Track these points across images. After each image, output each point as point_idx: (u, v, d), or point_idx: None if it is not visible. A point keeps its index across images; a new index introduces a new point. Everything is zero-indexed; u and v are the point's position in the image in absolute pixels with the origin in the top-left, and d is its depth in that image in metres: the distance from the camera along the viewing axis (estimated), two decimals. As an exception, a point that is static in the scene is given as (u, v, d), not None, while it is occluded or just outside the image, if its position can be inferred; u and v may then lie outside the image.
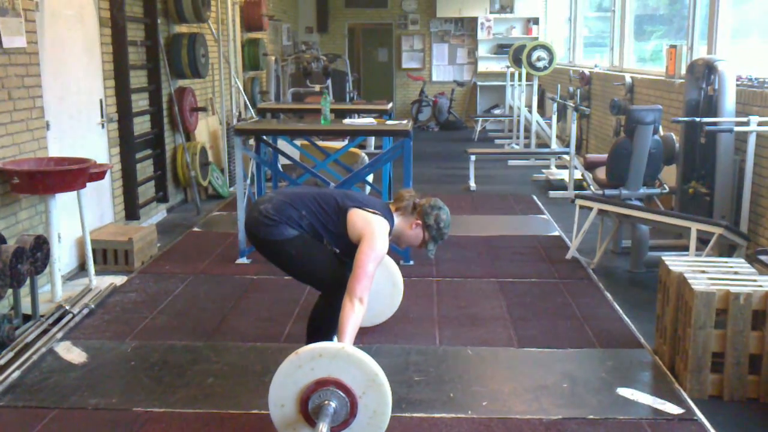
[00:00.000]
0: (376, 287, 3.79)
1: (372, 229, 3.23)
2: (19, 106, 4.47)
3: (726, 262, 3.79)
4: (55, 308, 4.28)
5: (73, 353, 3.82)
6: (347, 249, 3.32)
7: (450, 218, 3.50)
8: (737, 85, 5.17)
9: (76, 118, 5.29)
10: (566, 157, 8.59)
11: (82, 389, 3.41)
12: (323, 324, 3.43)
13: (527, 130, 10.89)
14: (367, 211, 3.31)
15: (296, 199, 3.35)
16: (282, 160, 7.04)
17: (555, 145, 9.63)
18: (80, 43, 5.37)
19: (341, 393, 2.76)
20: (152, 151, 6.64)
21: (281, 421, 2.84)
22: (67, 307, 4.28)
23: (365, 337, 3.92)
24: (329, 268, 3.36)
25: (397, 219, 3.44)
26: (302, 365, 2.77)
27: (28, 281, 4.06)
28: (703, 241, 4.73)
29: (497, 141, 12.39)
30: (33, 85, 4.62)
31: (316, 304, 3.50)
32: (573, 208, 5.58)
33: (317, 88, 10.67)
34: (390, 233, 3.39)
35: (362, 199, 3.41)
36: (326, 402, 2.75)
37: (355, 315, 3.02)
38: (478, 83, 14.73)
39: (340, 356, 2.77)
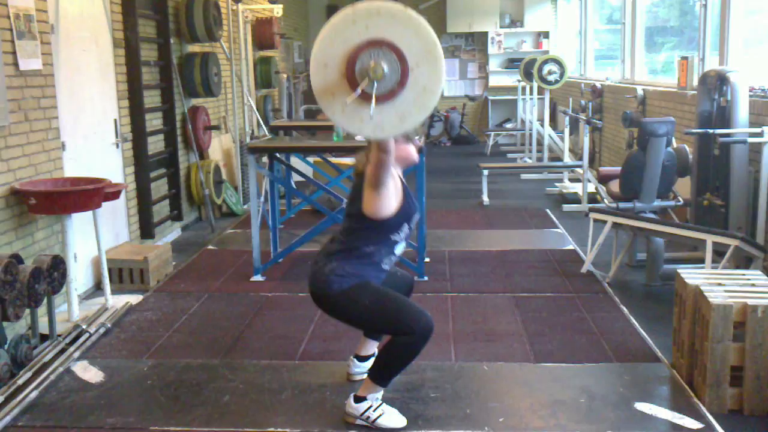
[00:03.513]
0: None
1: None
2: (36, 128, 4.52)
3: (743, 275, 3.76)
4: (72, 328, 4.30)
5: (90, 372, 3.83)
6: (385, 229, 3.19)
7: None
8: (750, 96, 5.15)
9: (91, 138, 5.34)
10: (579, 170, 8.57)
11: (100, 408, 3.42)
12: (399, 359, 3.21)
13: (539, 143, 10.88)
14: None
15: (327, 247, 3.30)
16: (295, 177, 7.07)
17: (568, 159, 9.61)
18: (95, 64, 5.43)
19: (394, 57, 2.53)
20: (166, 170, 6.69)
21: (321, 84, 2.60)
22: (84, 327, 4.31)
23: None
24: (407, 307, 3.19)
25: None
26: (357, 21, 2.54)
27: (45, 301, 4.09)
28: (719, 253, 4.70)
29: (510, 155, 12.38)
30: (49, 106, 4.67)
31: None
32: (587, 222, 5.56)
33: (329, 104, 10.68)
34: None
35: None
36: (375, 64, 2.52)
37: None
38: (490, 97, 14.74)
39: (400, 18, 2.55)
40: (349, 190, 3.38)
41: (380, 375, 3.22)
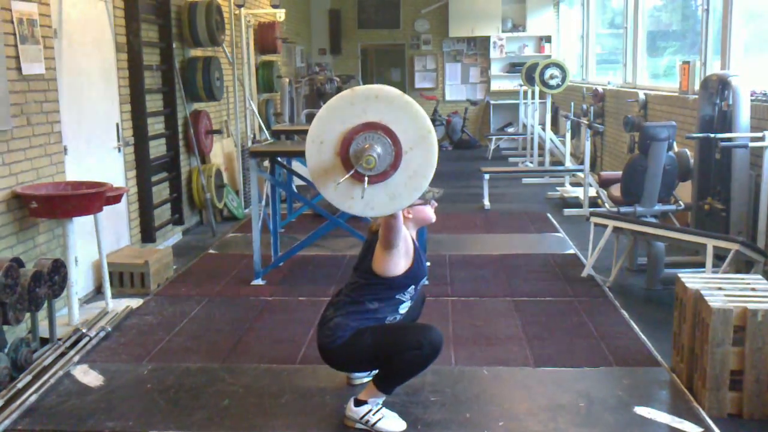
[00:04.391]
0: None
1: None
2: (38, 132, 4.53)
3: (743, 279, 3.76)
4: (72, 331, 4.31)
5: (90, 376, 3.84)
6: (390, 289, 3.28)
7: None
8: (751, 100, 5.15)
9: (93, 142, 5.36)
10: (580, 174, 8.57)
11: (99, 412, 3.42)
12: (406, 371, 3.23)
13: (541, 148, 10.88)
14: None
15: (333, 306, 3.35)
16: (296, 181, 7.08)
17: (569, 163, 9.61)
18: (97, 69, 5.45)
19: (388, 141, 2.60)
20: (168, 174, 6.70)
21: (315, 161, 2.67)
22: (84, 330, 4.31)
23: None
24: (408, 327, 3.29)
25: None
26: (355, 103, 2.62)
27: (45, 305, 4.10)
28: (719, 257, 4.69)
29: (511, 159, 12.39)
30: (51, 110, 4.69)
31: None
32: (588, 226, 5.56)
33: (331, 109, 10.70)
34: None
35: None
36: (369, 146, 2.58)
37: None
38: (492, 102, 14.76)
39: (397, 103, 2.62)
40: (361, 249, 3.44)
41: (385, 383, 3.24)
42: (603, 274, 5.45)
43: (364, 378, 3.61)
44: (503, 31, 14.43)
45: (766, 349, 3.25)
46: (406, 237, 3.26)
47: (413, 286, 3.34)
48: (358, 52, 15.14)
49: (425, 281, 3.40)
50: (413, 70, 15.08)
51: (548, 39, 14.30)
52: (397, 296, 3.31)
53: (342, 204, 2.79)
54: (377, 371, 3.29)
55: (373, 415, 3.22)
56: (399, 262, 3.23)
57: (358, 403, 3.25)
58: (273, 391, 3.63)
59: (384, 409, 3.26)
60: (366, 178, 2.66)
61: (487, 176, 8.53)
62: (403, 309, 3.37)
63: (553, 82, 9.96)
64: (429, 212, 3.40)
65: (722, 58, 6.01)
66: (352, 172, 2.62)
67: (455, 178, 10.55)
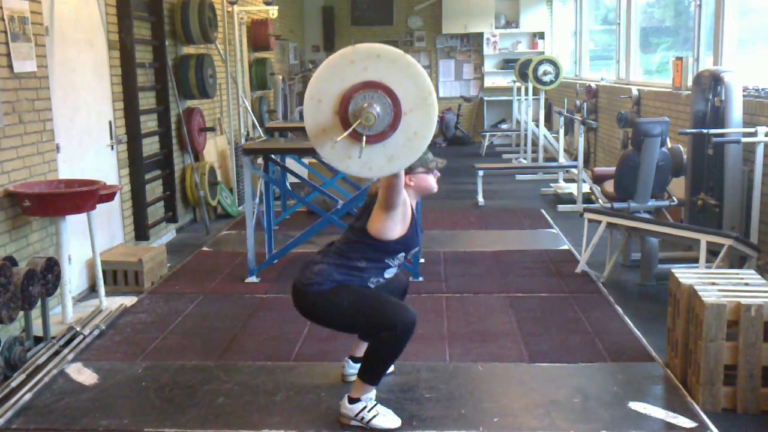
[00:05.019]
0: None
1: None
2: (30, 130, 4.51)
3: (736, 274, 3.77)
4: (66, 330, 4.30)
5: (84, 375, 3.83)
6: (383, 252, 3.24)
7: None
8: (744, 96, 5.16)
9: (85, 140, 5.34)
10: (574, 170, 8.59)
11: (94, 411, 3.41)
12: (384, 355, 3.23)
13: (534, 144, 10.89)
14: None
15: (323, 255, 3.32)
16: (290, 179, 7.07)
17: (563, 159, 9.63)
18: (89, 66, 5.43)
19: (388, 100, 2.57)
20: (161, 172, 6.68)
21: (313, 120, 2.64)
22: (78, 329, 4.30)
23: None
24: (387, 303, 3.21)
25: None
26: (355, 61, 2.58)
27: (39, 303, 4.09)
28: (713, 252, 4.71)
29: (505, 156, 12.40)
30: (43, 108, 4.67)
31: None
32: (582, 222, 5.57)
33: (324, 106, 10.69)
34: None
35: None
36: (368, 105, 2.55)
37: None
38: (485, 98, 14.76)
39: (399, 63, 2.59)
40: (357, 210, 3.43)
41: (369, 374, 3.24)
42: (597, 269, 5.46)
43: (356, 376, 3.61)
44: (496, 28, 14.43)
45: (759, 343, 3.27)
46: (406, 202, 3.22)
47: (403, 254, 3.30)
48: (351, 48, 15.10)
49: (416, 250, 3.37)
50: (407, 66, 15.07)
51: (541, 35, 14.30)
52: (386, 260, 3.27)
53: (339, 164, 2.75)
54: (360, 366, 3.29)
55: (368, 412, 3.22)
56: (395, 227, 3.19)
57: (352, 400, 3.25)
58: (268, 388, 3.62)
59: (379, 405, 3.26)
60: (364, 138, 2.62)
61: (480, 173, 8.53)
62: (389, 274, 3.34)
63: (546, 79, 9.97)
64: (431, 181, 3.36)
65: (715, 54, 6.02)
66: (350, 130, 2.57)
67: (449, 175, 10.54)
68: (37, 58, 4.57)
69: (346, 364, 3.68)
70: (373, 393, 3.28)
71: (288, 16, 12.60)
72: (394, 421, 3.24)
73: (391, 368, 3.72)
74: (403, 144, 2.66)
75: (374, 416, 3.22)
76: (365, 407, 3.23)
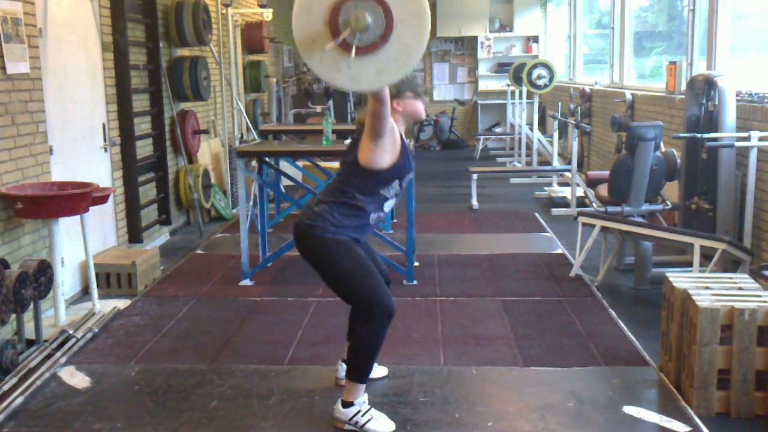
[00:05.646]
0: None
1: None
2: (23, 131, 4.49)
3: (730, 278, 3.78)
4: (58, 333, 4.28)
5: (76, 378, 3.81)
6: (375, 184, 3.20)
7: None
8: (737, 100, 5.18)
9: (79, 142, 5.32)
10: (568, 174, 8.60)
11: (86, 414, 3.40)
12: (365, 350, 3.23)
13: (529, 148, 10.90)
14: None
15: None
16: (284, 181, 7.07)
17: (557, 163, 9.64)
18: (83, 68, 5.41)
19: (380, 10, 2.51)
20: (155, 174, 6.66)
21: (303, 30, 2.57)
22: (71, 332, 4.28)
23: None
24: (378, 285, 3.21)
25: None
26: None
27: (31, 306, 4.06)
28: (706, 256, 4.72)
29: (499, 159, 12.41)
30: (36, 110, 4.65)
31: (354, 332, 3.35)
32: (576, 226, 5.57)
33: (319, 109, 10.71)
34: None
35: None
36: (359, 14, 2.50)
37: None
38: (479, 102, 14.78)
39: None
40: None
41: (355, 372, 3.24)
42: (591, 273, 5.47)
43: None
44: (491, 31, 14.46)
45: (753, 348, 3.27)
46: (394, 130, 3.15)
47: (398, 181, 3.25)
48: (345, 51, 15.09)
49: (410, 176, 3.33)
50: (401, 70, 15.07)
51: (536, 39, 14.34)
52: (381, 191, 3.21)
53: (328, 76, 2.69)
54: (347, 367, 3.29)
55: (362, 416, 3.21)
56: (384, 155, 3.13)
57: (346, 404, 3.24)
58: (261, 392, 3.61)
59: (373, 410, 3.26)
60: (354, 48, 2.57)
61: (475, 176, 8.54)
62: (388, 207, 3.31)
63: (540, 82, 9.98)
64: (419, 106, 3.30)
65: (708, 59, 6.04)
66: (340, 39, 2.52)
67: (443, 178, 10.56)
68: (30, 59, 4.55)
69: (339, 367, 3.67)
70: (365, 397, 3.27)
71: (282, 19, 12.58)
72: (388, 425, 3.23)
73: (385, 371, 3.71)
74: (393, 57, 2.59)
75: (368, 420, 3.21)
76: (359, 411, 3.22)
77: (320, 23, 2.56)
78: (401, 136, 3.25)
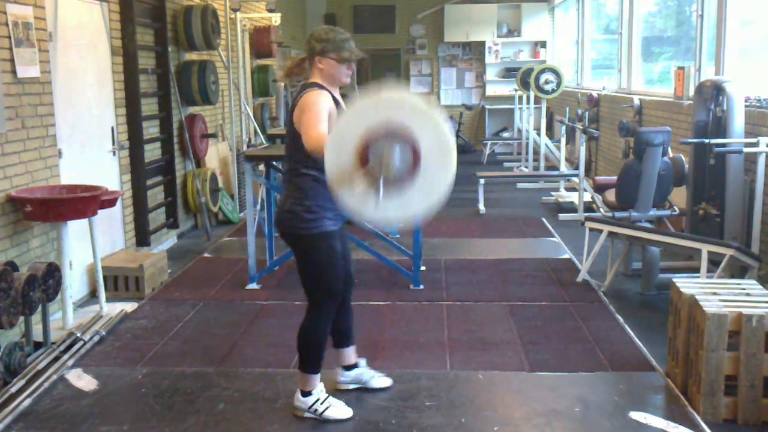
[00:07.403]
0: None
1: (303, 103, 3.08)
2: (33, 135, 4.52)
3: (738, 284, 3.77)
4: (66, 335, 4.29)
5: (84, 380, 3.82)
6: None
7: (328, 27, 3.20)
8: (746, 106, 5.17)
9: (88, 145, 5.35)
10: (575, 179, 8.59)
11: (93, 417, 3.41)
12: (310, 341, 3.35)
13: (536, 152, 10.89)
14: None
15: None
16: (292, 186, 7.04)
17: (564, 168, 9.62)
18: (92, 72, 5.44)
19: (409, 150, 2.62)
20: (163, 178, 6.69)
21: (334, 165, 2.68)
22: (79, 334, 4.30)
23: (375, 362, 3.90)
24: (334, 278, 3.28)
25: (315, 79, 3.22)
26: (379, 109, 2.64)
27: (39, 308, 4.08)
28: (714, 262, 4.70)
29: (506, 164, 12.40)
30: (46, 113, 4.68)
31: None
32: (583, 231, 5.57)
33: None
34: (324, 89, 3.18)
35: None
36: (389, 154, 2.60)
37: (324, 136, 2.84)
38: (487, 107, 14.77)
39: (422, 115, 2.65)
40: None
41: (304, 362, 3.33)
42: (598, 278, 5.46)
43: (350, 385, 3.62)
44: (498, 36, 14.46)
45: (760, 354, 3.26)
46: (332, 117, 3.06)
47: None
48: (353, 56, 15.12)
49: None
50: (409, 74, 15.09)
51: (543, 44, 14.33)
52: None
53: (357, 208, 2.79)
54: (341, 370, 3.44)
55: (321, 404, 3.33)
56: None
57: (305, 393, 3.35)
58: (268, 395, 3.62)
59: (331, 398, 3.37)
60: (381, 188, 2.66)
61: (482, 181, 8.53)
62: None
63: (548, 87, 9.98)
64: (340, 70, 3.20)
65: (716, 64, 6.03)
66: (367, 176, 2.61)
67: (450, 183, 10.53)
68: (40, 63, 4.58)
69: (338, 373, 3.67)
70: (322, 385, 3.37)
71: (290, 24, 12.63)
72: (346, 412, 3.34)
73: (389, 382, 3.68)
74: (420, 196, 2.70)
75: (327, 408, 3.33)
76: (317, 399, 3.33)
77: (351, 159, 2.66)
78: (337, 106, 3.17)
